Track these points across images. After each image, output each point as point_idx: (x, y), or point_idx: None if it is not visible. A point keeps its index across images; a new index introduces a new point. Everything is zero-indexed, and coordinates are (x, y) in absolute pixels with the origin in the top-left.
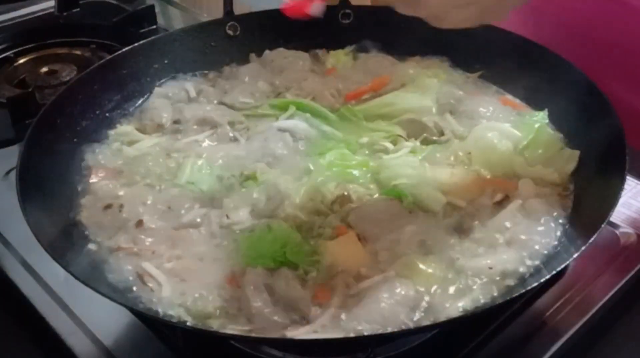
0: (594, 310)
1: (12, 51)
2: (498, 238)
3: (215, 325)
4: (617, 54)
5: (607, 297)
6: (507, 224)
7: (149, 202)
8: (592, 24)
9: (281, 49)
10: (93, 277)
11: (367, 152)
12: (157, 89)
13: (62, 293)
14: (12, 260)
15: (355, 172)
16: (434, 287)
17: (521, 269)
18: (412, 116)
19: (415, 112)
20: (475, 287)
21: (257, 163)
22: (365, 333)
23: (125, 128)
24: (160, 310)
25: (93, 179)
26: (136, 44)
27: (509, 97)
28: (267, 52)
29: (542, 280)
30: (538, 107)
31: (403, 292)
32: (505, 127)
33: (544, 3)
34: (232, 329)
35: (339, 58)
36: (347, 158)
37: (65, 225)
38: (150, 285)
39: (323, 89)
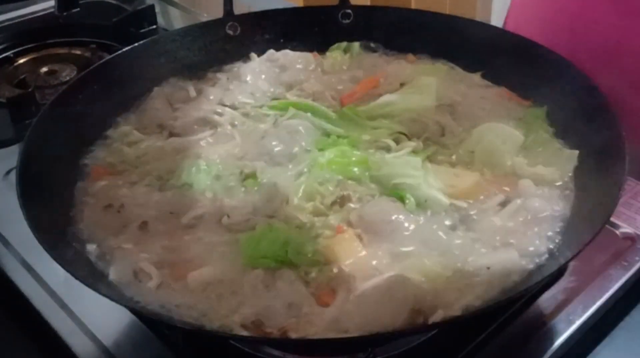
0: (593, 310)
1: (12, 51)
2: (498, 238)
3: (215, 324)
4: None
5: (606, 297)
6: (508, 224)
7: (149, 202)
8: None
9: (285, 51)
10: (93, 277)
11: (368, 149)
12: (156, 89)
13: (62, 293)
14: (12, 260)
15: (355, 169)
16: (434, 287)
17: (521, 269)
18: (413, 116)
19: (416, 112)
20: (475, 287)
21: (257, 161)
22: (365, 333)
23: (125, 128)
24: (160, 310)
25: (93, 180)
26: (136, 44)
27: (509, 96)
28: (271, 51)
29: (542, 280)
30: (538, 106)
31: (403, 292)
32: (506, 127)
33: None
34: (232, 329)
35: (336, 58)
36: (346, 155)
37: (65, 225)
38: (144, 279)
39: (324, 90)
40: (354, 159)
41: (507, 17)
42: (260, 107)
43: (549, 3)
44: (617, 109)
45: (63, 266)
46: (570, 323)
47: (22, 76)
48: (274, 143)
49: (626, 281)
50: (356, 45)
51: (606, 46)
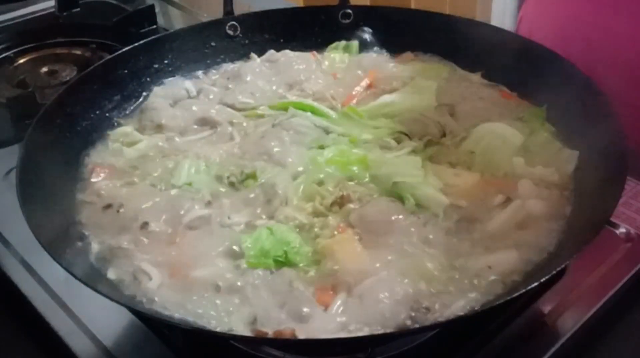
0: (593, 310)
1: (12, 51)
2: (498, 238)
3: (215, 325)
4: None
5: (607, 297)
6: (508, 224)
7: (148, 202)
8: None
9: (285, 51)
10: (93, 277)
11: (369, 148)
12: (156, 89)
13: (62, 293)
14: (12, 260)
15: (355, 168)
16: (434, 287)
17: (521, 269)
18: (414, 116)
19: (416, 112)
20: (475, 287)
21: (257, 161)
22: (365, 333)
23: (125, 129)
24: (160, 310)
25: (93, 180)
26: (136, 44)
27: (509, 96)
28: (271, 51)
29: (542, 280)
30: (538, 106)
31: (403, 292)
32: (506, 127)
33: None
34: (232, 329)
35: (335, 58)
36: (346, 154)
37: (65, 225)
38: (143, 279)
39: (324, 90)
40: (353, 158)
41: (520, 23)
42: (261, 107)
43: (562, 11)
44: (627, 115)
45: (63, 266)
46: (571, 323)
47: (22, 76)
48: (273, 143)
49: (626, 281)
50: (355, 44)
51: (620, 55)
